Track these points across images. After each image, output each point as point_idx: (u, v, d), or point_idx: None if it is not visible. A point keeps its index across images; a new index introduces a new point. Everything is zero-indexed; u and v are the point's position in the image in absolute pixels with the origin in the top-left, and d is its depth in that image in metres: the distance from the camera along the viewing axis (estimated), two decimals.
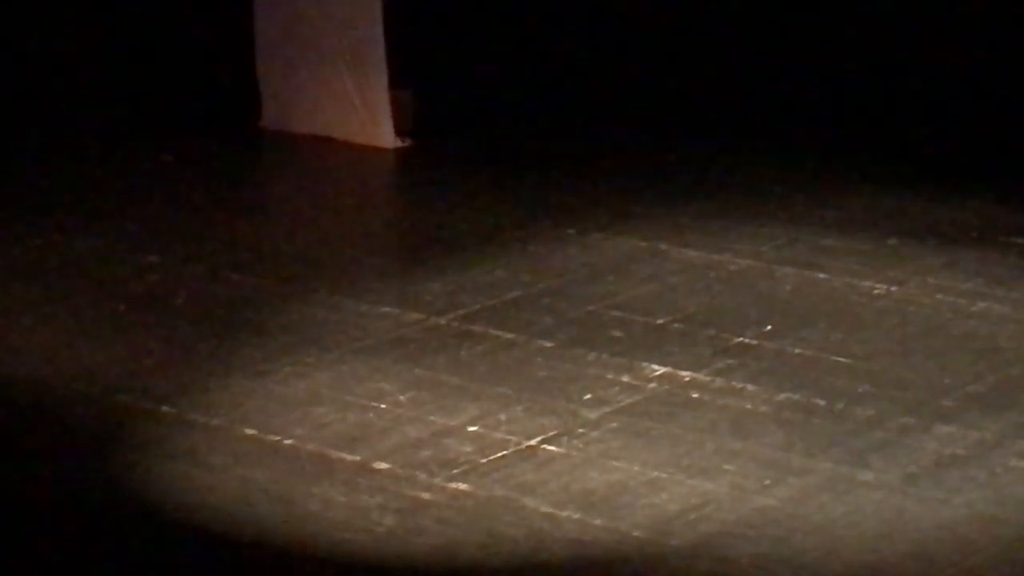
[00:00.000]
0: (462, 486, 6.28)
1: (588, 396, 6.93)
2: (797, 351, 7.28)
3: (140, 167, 9.73)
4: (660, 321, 7.58)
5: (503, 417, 6.77)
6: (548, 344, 7.39)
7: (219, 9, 10.15)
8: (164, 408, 6.90)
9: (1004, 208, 8.72)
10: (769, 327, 7.51)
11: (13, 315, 7.81)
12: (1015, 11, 9.47)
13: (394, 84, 9.76)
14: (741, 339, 7.40)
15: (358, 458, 6.49)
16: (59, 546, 6.02)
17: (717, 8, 10.09)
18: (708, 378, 7.06)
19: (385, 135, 9.84)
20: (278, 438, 6.65)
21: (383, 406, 6.89)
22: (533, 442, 6.58)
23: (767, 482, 6.27)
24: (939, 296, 7.78)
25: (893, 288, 7.88)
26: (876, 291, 7.86)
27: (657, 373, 7.11)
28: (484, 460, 6.46)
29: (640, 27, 10.27)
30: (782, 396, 6.90)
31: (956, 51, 9.61)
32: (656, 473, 6.33)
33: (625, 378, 7.07)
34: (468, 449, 6.53)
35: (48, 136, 10.12)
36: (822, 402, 6.84)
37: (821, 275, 8.04)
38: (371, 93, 9.85)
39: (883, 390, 6.92)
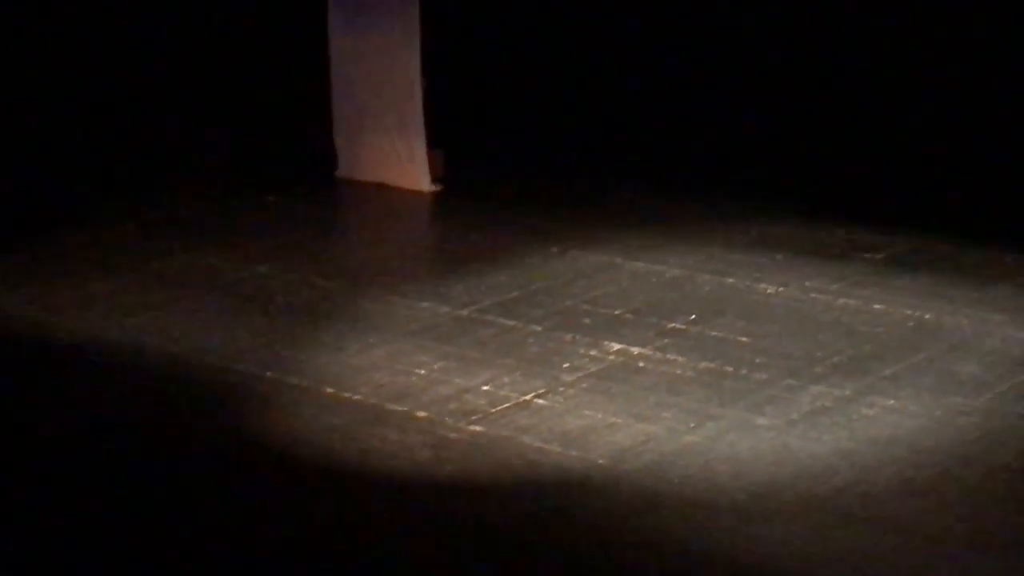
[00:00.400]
0: (478, 428, 6.28)
1: (566, 365, 6.90)
2: (713, 333, 7.24)
3: (252, 204, 9.62)
4: (617, 312, 7.54)
5: (506, 380, 6.74)
6: (538, 328, 7.35)
7: (310, 89, 10.08)
8: (268, 374, 6.88)
9: (858, 233, 8.62)
10: (693, 316, 7.46)
11: (164, 309, 7.75)
12: (883, 63, 9.29)
13: (430, 145, 9.69)
14: (673, 325, 7.36)
15: (405, 408, 6.48)
16: (192, 481, 6.01)
17: (654, 93, 10.06)
18: (651, 352, 7.03)
19: (424, 182, 9.74)
20: (349, 395, 6.63)
21: (422, 372, 6.86)
22: (527, 397, 6.56)
23: (692, 425, 6.27)
24: (813, 295, 7.74)
25: (780, 289, 7.83)
26: (768, 291, 7.81)
27: (615, 348, 7.08)
28: (493, 410, 6.44)
29: (593, 106, 10.28)
30: (702, 365, 6.87)
31: (834, 107, 9.47)
32: (614, 419, 6.34)
33: (593, 352, 7.04)
34: (482, 402, 6.52)
35: (183, 183, 9.96)
36: (730, 369, 6.83)
37: (730, 280, 7.98)
38: (414, 152, 9.75)
39: (773, 360, 6.90)
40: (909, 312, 7.46)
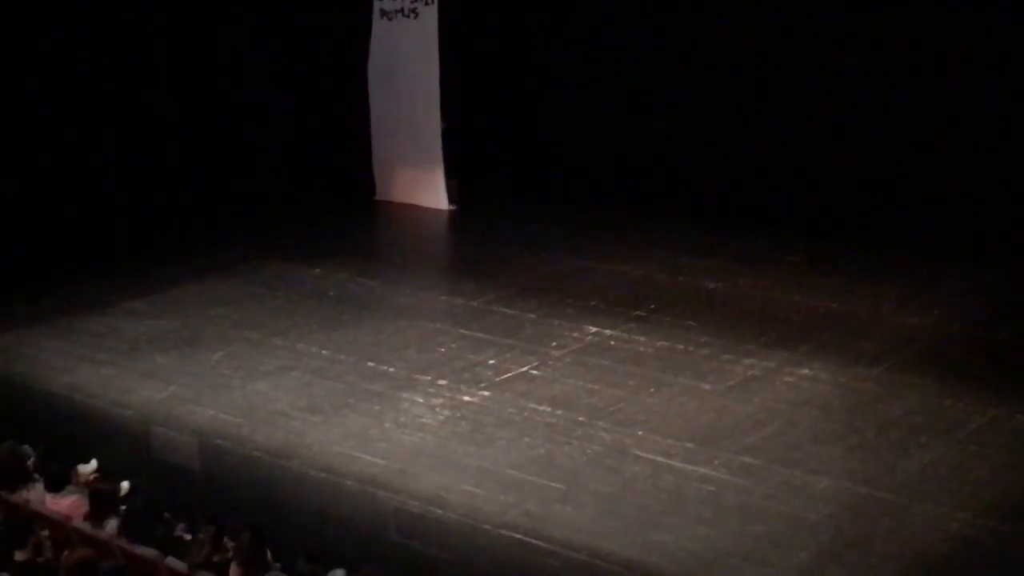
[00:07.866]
0: (486, 393, 6.29)
1: (554, 344, 6.89)
2: (667, 319, 7.21)
3: (311, 220, 9.52)
4: (593, 303, 7.51)
5: (508, 355, 6.74)
6: (532, 316, 7.32)
7: (359, 133, 10.00)
8: (323, 352, 6.86)
9: (780, 242, 8.44)
10: (652, 306, 7.42)
11: (242, 301, 7.72)
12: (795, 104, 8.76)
13: (448, 175, 9.64)
14: (637, 312, 7.33)
15: (429, 377, 6.48)
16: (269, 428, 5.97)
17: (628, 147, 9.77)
18: (620, 334, 7.01)
19: (443, 203, 9.69)
20: (386, 367, 6.63)
21: (443, 349, 6.86)
22: (524, 369, 6.56)
23: (652, 390, 6.28)
24: (745, 289, 7.70)
25: (719, 284, 7.79)
26: (709, 287, 7.77)
27: (592, 331, 7.06)
28: (498, 379, 6.45)
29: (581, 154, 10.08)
30: (659, 343, 6.86)
31: (762, 147, 8.93)
32: (591, 386, 6.34)
33: (575, 334, 7.02)
34: (489, 373, 6.53)
35: (256, 206, 9.75)
36: (681, 346, 6.81)
37: (680, 278, 7.93)
38: (435, 180, 9.69)
39: (713, 339, 6.88)
40: (820, 302, 7.42)
